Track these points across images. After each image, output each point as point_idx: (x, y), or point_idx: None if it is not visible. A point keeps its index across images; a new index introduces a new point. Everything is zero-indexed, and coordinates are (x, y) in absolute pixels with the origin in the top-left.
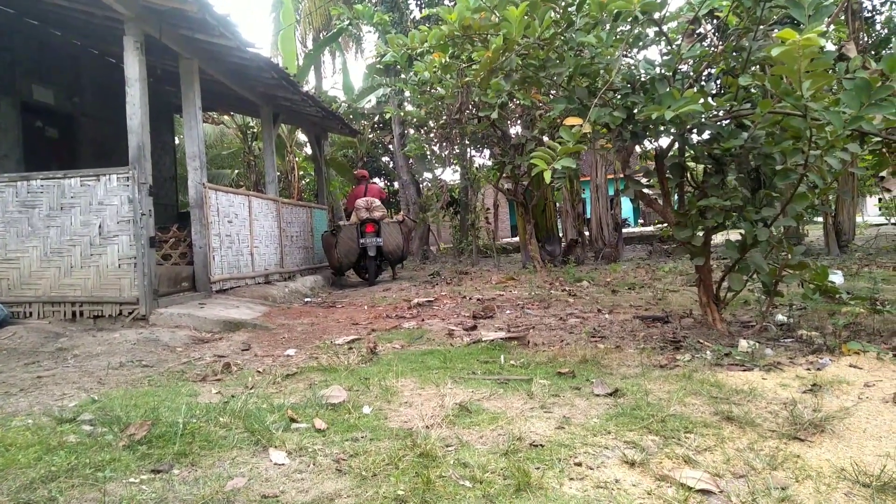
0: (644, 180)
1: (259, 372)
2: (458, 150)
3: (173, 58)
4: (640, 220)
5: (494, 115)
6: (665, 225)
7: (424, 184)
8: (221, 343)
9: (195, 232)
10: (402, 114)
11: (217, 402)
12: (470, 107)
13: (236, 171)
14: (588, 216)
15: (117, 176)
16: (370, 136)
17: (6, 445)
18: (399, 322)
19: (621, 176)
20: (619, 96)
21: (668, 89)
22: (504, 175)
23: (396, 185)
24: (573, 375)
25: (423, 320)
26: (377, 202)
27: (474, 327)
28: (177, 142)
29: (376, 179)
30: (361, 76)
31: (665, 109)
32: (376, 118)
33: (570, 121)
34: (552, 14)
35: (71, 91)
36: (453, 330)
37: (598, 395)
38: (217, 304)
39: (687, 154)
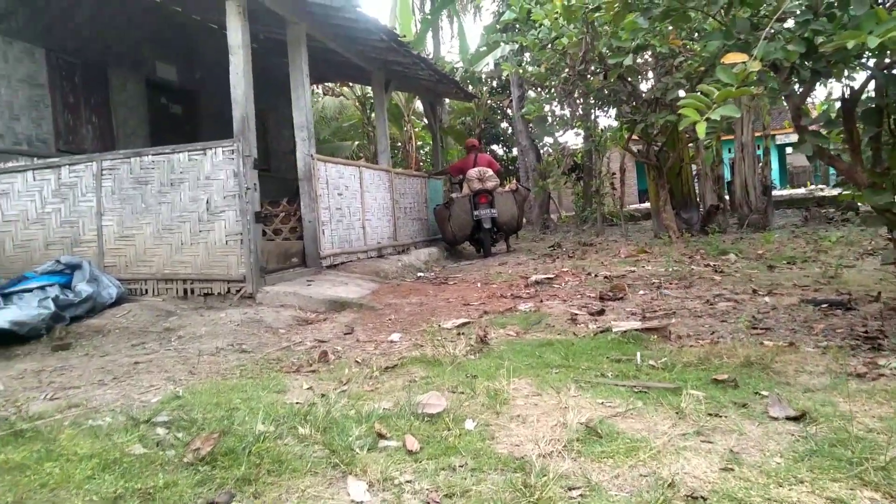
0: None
1: (357, 362)
2: (581, 111)
3: (285, 28)
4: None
5: (628, 62)
6: (844, 188)
7: (545, 149)
8: (325, 325)
9: (304, 206)
10: (520, 72)
11: (303, 404)
12: (595, 58)
13: (356, 143)
14: (728, 178)
15: (222, 149)
16: (488, 101)
17: (69, 455)
18: (514, 303)
19: (770, 134)
20: (794, 26)
21: (869, 8)
22: (634, 135)
23: (515, 151)
24: (735, 385)
25: (541, 301)
26: (490, 172)
27: (601, 311)
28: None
29: (494, 147)
30: (479, 40)
31: (866, 35)
32: (494, 82)
33: (730, 58)
34: None
35: (193, 67)
36: (576, 314)
37: (775, 419)
38: (325, 280)
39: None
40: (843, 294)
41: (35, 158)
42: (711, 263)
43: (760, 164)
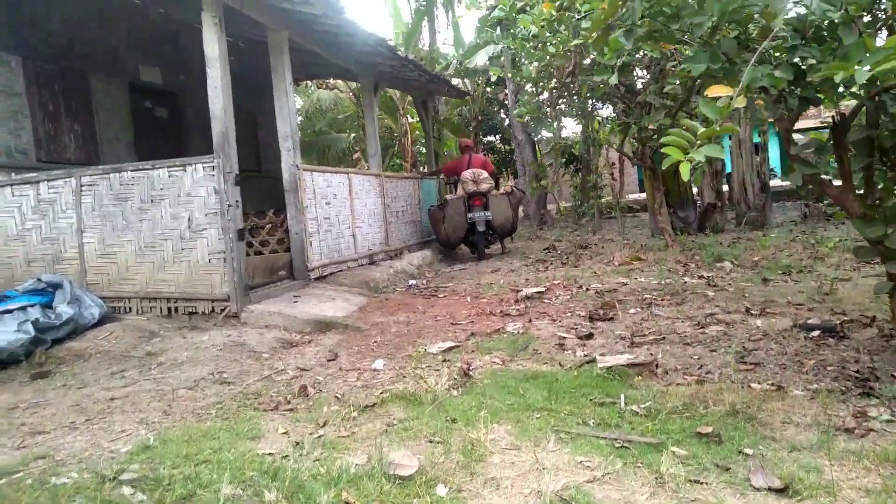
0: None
1: (337, 397)
2: (576, 105)
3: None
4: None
5: (613, 81)
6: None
7: (542, 142)
8: (309, 348)
9: (290, 217)
10: (509, 76)
11: (275, 455)
12: (583, 69)
13: (353, 135)
14: (728, 170)
15: (203, 165)
16: (486, 92)
17: None
18: (503, 322)
19: (769, 123)
20: (781, 52)
21: (857, 37)
22: (630, 136)
23: (513, 143)
24: (719, 440)
25: (530, 321)
26: (484, 174)
27: (590, 335)
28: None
29: (491, 138)
30: (474, 31)
31: (854, 67)
32: (491, 73)
33: (714, 90)
34: None
35: (177, 69)
36: (564, 338)
37: (757, 490)
38: (312, 295)
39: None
40: (838, 313)
41: (14, 173)
42: (705, 275)
43: (758, 160)
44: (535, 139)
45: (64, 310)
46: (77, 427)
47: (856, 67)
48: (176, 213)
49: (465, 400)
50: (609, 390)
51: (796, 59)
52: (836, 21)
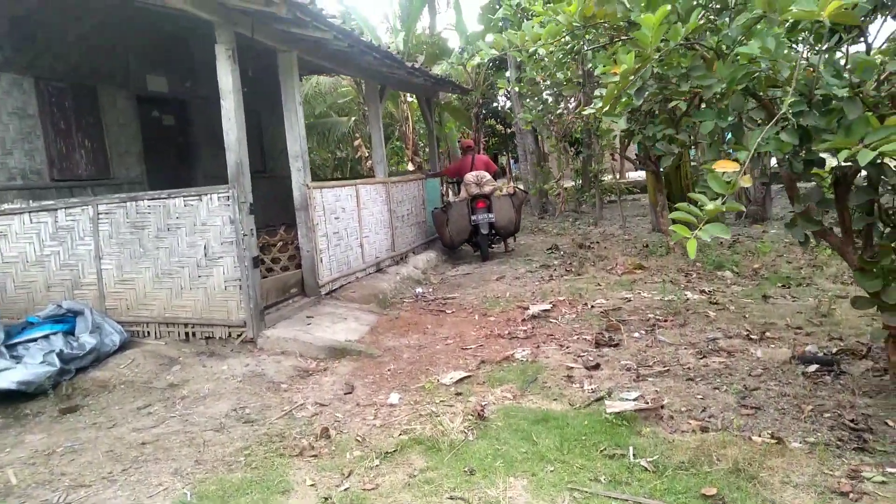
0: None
1: (358, 440)
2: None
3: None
4: None
5: (622, 126)
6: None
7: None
8: (325, 378)
9: (301, 236)
10: (516, 88)
11: None
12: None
13: (353, 119)
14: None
15: (218, 195)
16: (489, 76)
17: None
18: (512, 346)
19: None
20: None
21: (861, 112)
22: (634, 141)
23: (514, 128)
24: (723, 502)
25: (537, 346)
26: (487, 176)
27: (597, 366)
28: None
29: (492, 121)
30: (476, 16)
31: (856, 145)
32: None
33: (721, 165)
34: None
35: (183, 76)
36: (572, 368)
37: None
38: (324, 315)
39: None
40: (835, 339)
41: (31, 198)
42: (706, 290)
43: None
44: (537, 128)
45: (87, 339)
46: (115, 479)
47: (859, 148)
48: (192, 241)
49: (480, 446)
50: (618, 439)
51: (804, 123)
52: (840, 94)
